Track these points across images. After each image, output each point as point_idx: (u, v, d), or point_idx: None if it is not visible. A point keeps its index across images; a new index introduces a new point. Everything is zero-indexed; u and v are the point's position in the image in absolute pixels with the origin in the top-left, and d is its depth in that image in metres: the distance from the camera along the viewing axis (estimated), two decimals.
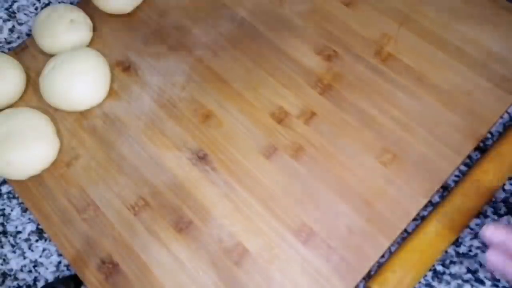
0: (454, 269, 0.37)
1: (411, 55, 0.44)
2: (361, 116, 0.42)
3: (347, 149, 0.40)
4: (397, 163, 0.39)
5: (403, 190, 0.38)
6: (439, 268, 0.37)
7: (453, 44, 0.44)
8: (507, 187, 0.40)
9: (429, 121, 0.41)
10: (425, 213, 0.39)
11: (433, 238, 0.36)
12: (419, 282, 0.37)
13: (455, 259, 0.37)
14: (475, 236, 0.38)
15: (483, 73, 0.42)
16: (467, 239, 0.38)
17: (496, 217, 0.39)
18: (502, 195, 0.39)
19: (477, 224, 0.39)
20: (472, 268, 0.37)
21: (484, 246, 0.38)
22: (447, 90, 0.42)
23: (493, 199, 0.39)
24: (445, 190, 0.40)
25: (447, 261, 0.37)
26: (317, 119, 0.42)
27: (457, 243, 0.38)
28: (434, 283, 0.37)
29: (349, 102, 0.42)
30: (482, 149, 0.41)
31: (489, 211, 0.39)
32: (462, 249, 0.38)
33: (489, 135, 0.42)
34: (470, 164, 0.41)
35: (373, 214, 0.37)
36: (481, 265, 0.37)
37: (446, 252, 0.38)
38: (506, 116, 0.42)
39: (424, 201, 0.38)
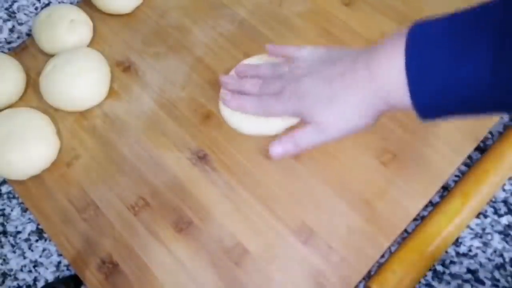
0: (454, 269, 0.37)
1: None
2: None
3: (347, 149, 0.40)
4: (397, 163, 0.39)
5: (403, 190, 0.38)
6: (439, 268, 0.37)
7: None
8: (507, 187, 0.40)
9: None
10: (425, 213, 0.39)
11: (433, 238, 0.36)
12: (419, 282, 0.37)
13: (455, 259, 0.37)
14: (475, 236, 0.38)
15: None
16: (467, 239, 0.38)
17: (496, 217, 0.39)
18: (502, 195, 0.39)
19: (477, 224, 0.39)
20: (472, 268, 0.37)
21: (484, 246, 0.38)
22: None
23: (493, 199, 0.39)
24: (445, 190, 0.40)
25: (447, 261, 0.37)
26: None
27: (457, 243, 0.38)
28: (434, 283, 0.37)
29: None
30: (482, 149, 0.41)
31: (489, 211, 0.39)
32: (462, 249, 0.38)
33: (489, 135, 0.42)
34: (470, 164, 0.41)
35: (373, 214, 0.37)
36: (481, 265, 0.37)
37: (446, 252, 0.38)
38: (506, 116, 0.42)
39: (424, 201, 0.38)
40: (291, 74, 0.35)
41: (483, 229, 0.38)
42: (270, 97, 0.36)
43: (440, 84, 0.24)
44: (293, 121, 0.39)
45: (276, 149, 0.35)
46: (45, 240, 0.41)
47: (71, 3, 0.53)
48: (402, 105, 0.27)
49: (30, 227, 0.42)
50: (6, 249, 0.41)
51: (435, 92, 0.24)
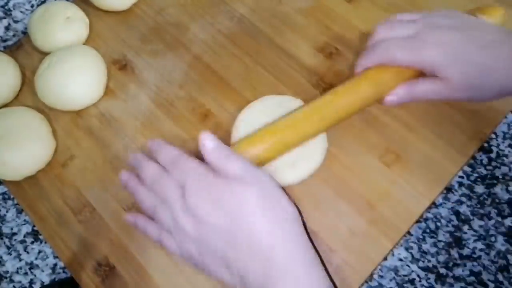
0: (457, 271, 0.36)
1: None
2: (364, 115, 0.41)
3: (349, 149, 0.39)
4: (400, 164, 0.38)
5: (406, 191, 0.37)
6: (442, 271, 0.37)
7: None
8: (511, 188, 0.39)
9: (433, 121, 0.40)
10: (429, 214, 0.38)
11: (298, 121, 0.35)
12: (420, 281, 0.36)
13: (458, 261, 0.37)
14: (479, 238, 0.37)
15: None
16: (471, 241, 0.37)
17: (500, 219, 0.38)
18: (506, 196, 0.39)
19: (480, 226, 0.38)
20: (476, 271, 0.36)
21: (488, 248, 0.37)
22: None
23: (497, 200, 0.39)
24: (449, 191, 0.39)
25: (450, 264, 0.37)
26: None
27: (460, 245, 0.37)
28: (437, 286, 0.36)
29: None
30: (486, 149, 0.40)
31: (493, 213, 0.38)
32: (466, 251, 0.37)
33: (493, 136, 0.41)
34: (474, 165, 0.40)
35: (375, 216, 0.37)
36: (484, 267, 0.36)
37: (449, 254, 0.37)
38: (510, 116, 0.42)
39: (428, 202, 0.37)
40: (426, 21, 0.33)
41: (487, 231, 0.38)
42: None
43: None
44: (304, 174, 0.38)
45: (392, 97, 0.34)
46: (41, 242, 0.40)
47: (67, 0, 0.52)
48: None
49: (26, 228, 0.41)
50: (2, 251, 0.40)
51: None
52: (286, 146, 0.35)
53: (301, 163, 0.37)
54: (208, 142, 0.29)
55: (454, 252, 0.37)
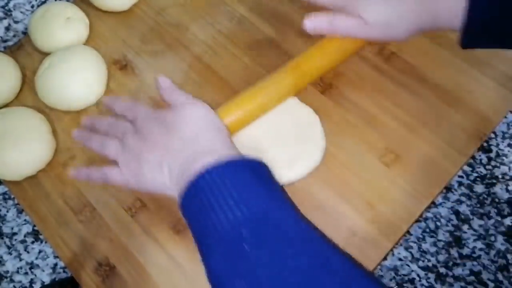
0: (457, 271, 0.37)
1: (414, 54, 0.43)
2: (363, 115, 0.41)
3: (349, 149, 0.39)
4: (400, 163, 0.38)
5: (405, 191, 0.37)
6: (442, 270, 0.37)
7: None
8: (511, 187, 0.39)
9: (432, 120, 0.40)
10: (428, 214, 0.38)
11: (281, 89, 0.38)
12: (420, 281, 0.36)
13: (458, 261, 0.37)
14: (479, 237, 0.38)
15: (487, 72, 0.42)
16: (470, 240, 0.37)
17: (499, 218, 0.38)
18: (505, 195, 0.39)
19: (480, 225, 0.38)
20: (475, 270, 0.36)
21: (487, 248, 0.37)
22: (451, 89, 0.41)
23: (497, 200, 0.39)
24: (449, 190, 0.39)
25: (450, 263, 0.37)
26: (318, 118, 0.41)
27: (460, 244, 0.37)
28: (437, 286, 0.36)
29: (351, 101, 0.41)
30: (486, 149, 0.41)
31: (493, 212, 0.38)
32: (466, 251, 0.37)
33: (492, 135, 0.41)
34: (474, 164, 0.40)
35: (375, 215, 0.37)
36: (484, 267, 0.36)
37: (449, 254, 0.37)
38: (510, 116, 0.42)
39: (427, 202, 0.37)
40: None
41: (486, 230, 0.38)
42: None
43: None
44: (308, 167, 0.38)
45: (310, 23, 0.36)
46: (41, 241, 0.41)
47: (67, 0, 0.52)
48: (449, 26, 0.32)
49: (26, 228, 0.41)
50: (2, 251, 0.40)
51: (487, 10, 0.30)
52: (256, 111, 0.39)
53: (299, 161, 0.37)
54: (163, 80, 0.36)
55: (454, 252, 0.37)
